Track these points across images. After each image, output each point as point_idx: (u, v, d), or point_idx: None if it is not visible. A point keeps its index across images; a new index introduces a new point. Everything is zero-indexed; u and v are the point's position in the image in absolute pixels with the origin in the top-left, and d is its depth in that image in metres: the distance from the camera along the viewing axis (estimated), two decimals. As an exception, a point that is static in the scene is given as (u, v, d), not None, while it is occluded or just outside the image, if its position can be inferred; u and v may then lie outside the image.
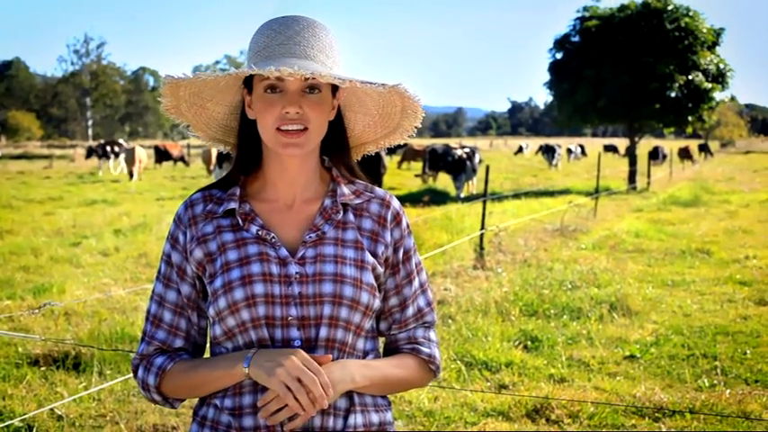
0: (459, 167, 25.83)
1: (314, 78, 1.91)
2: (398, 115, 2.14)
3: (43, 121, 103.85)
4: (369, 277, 2.06)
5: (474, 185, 27.37)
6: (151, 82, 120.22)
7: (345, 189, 2.13)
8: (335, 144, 2.15)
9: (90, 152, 40.12)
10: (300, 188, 2.10)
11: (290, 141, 1.97)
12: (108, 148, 37.94)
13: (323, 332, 2.00)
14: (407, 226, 2.19)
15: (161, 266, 2.13)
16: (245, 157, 2.11)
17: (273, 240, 2.04)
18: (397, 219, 2.16)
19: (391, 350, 2.20)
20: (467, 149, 27.08)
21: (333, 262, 2.03)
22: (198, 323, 2.12)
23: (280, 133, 1.96)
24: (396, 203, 2.18)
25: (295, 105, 1.94)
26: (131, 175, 32.07)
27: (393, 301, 2.16)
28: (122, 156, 37.85)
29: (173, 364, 2.08)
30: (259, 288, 1.98)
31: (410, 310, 2.18)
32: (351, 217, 2.11)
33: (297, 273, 2.00)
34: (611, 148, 64.05)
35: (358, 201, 2.13)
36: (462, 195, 24.84)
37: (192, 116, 2.14)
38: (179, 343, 2.11)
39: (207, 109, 2.14)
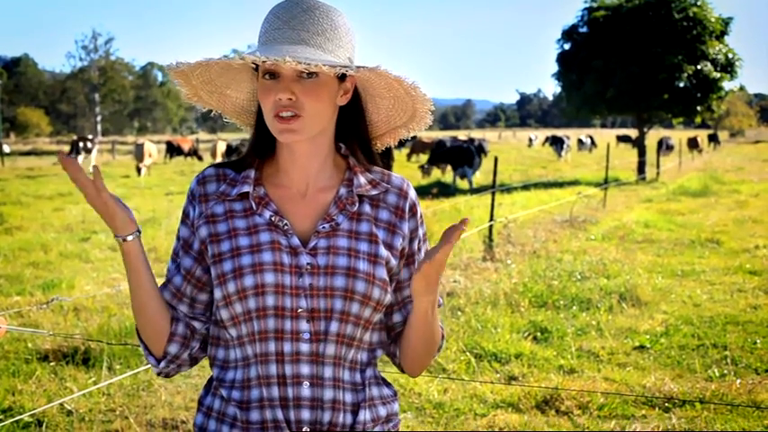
0: (462, 159, 25.87)
1: (302, 64, 1.86)
2: (406, 98, 2.09)
3: (52, 117, 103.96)
4: (381, 272, 2.03)
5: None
6: (160, 77, 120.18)
7: (362, 179, 2.09)
8: (352, 130, 2.12)
9: (71, 149, 37.76)
10: (313, 175, 2.07)
11: (284, 127, 1.94)
12: (81, 144, 36.43)
13: (333, 326, 1.98)
14: (421, 215, 2.17)
15: (174, 243, 2.14)
16: (260, 141, 2.09)
17: (286, 228, 2.01)
18: (413, 209, 2.13)
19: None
20: (462, 142, 27.15)
21: (346, 255, 2.00)
22: (192, 295, 2.09)
23: (276, 120, 1.94)
24: (412, 193, 2.15)
25: (286, 92, 1.92)
26: (139, 171, 32.04)
27: (408, 291, 2.14)
28: (94, 151, 37.20)
29: None
30: (269, 277, 1.96)
31: None
32: (366, 208, 2.08)
33: (308, 263, 1.98)
34: (625, 139, 63.75)
35: (374, 191, 2.09)
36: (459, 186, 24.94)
37: (216, 103, 2.15)
38: None
39: (229, 96, 2.14)
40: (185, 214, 2.10)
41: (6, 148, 49.76)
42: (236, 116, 2.20)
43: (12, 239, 13.88)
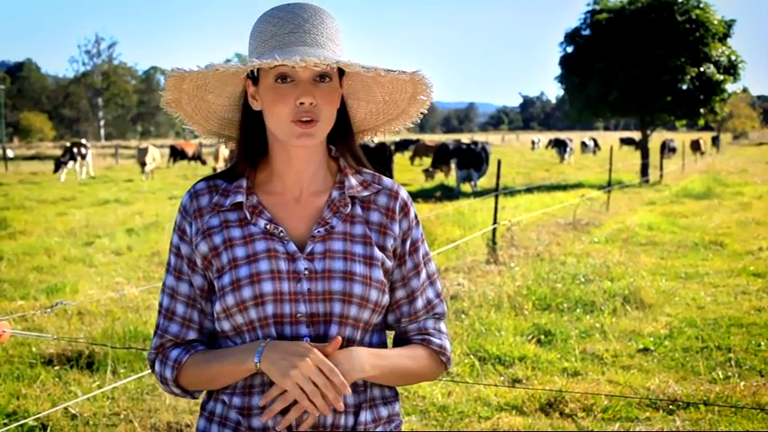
0: (472, 161, 25.88)
1: (327, 67, 1.87)
2: (405, 102, 2.11)
3: (55, 121, 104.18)
4: (378, 274, 2.03)
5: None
6: (162, 81, 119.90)
7: (353, 180, 2.09)
8: (341, 132, 2.11)
9: (65, 154, 36.70)
10: (308, 180, 2.07)
11: (304, 132, 1.92)
12: (75, 150, 35.49)
13: (333, 330, 1.98)
14: (415, 216, 2.16)
15: (170, 259, 2.10)
16: (249, 148, 2.07)
17: (282, 235, 2.01)
18: (404, 210, 2.12)
19: (401, 342, 2.17)
20: (468, 145, 27.18)
21: (342, 258, 2.01)
22: (211, 313, 2.08)
23: (295, 125, 1.92)
24: (403, 194, 2.14)
25: (309, 95, 1.90)
26: (143, 166, 32.33)
27: (401, 293, 2.13)
28: (89, 156, 37.10)
29: (188, 356, 2.05)
30: (267, 286, 1.96)
31: (420, 302, 2.15)
32: (359, 210, 2.08)
33: (306, 269, 1.98)
34: (628, 141, 63.71)
35: (366, 193, 2.09)
36: (461, 190, 24.96)
37: (191, 109, 2.11)
38: (192, 335, 2.08)
39: (207, 101, 2.10)
40: (182, 230, 2.08)
41: (10, 153, 49.82)
42: (204, 123, 2.16)
43: (15, 244, 13.88)
